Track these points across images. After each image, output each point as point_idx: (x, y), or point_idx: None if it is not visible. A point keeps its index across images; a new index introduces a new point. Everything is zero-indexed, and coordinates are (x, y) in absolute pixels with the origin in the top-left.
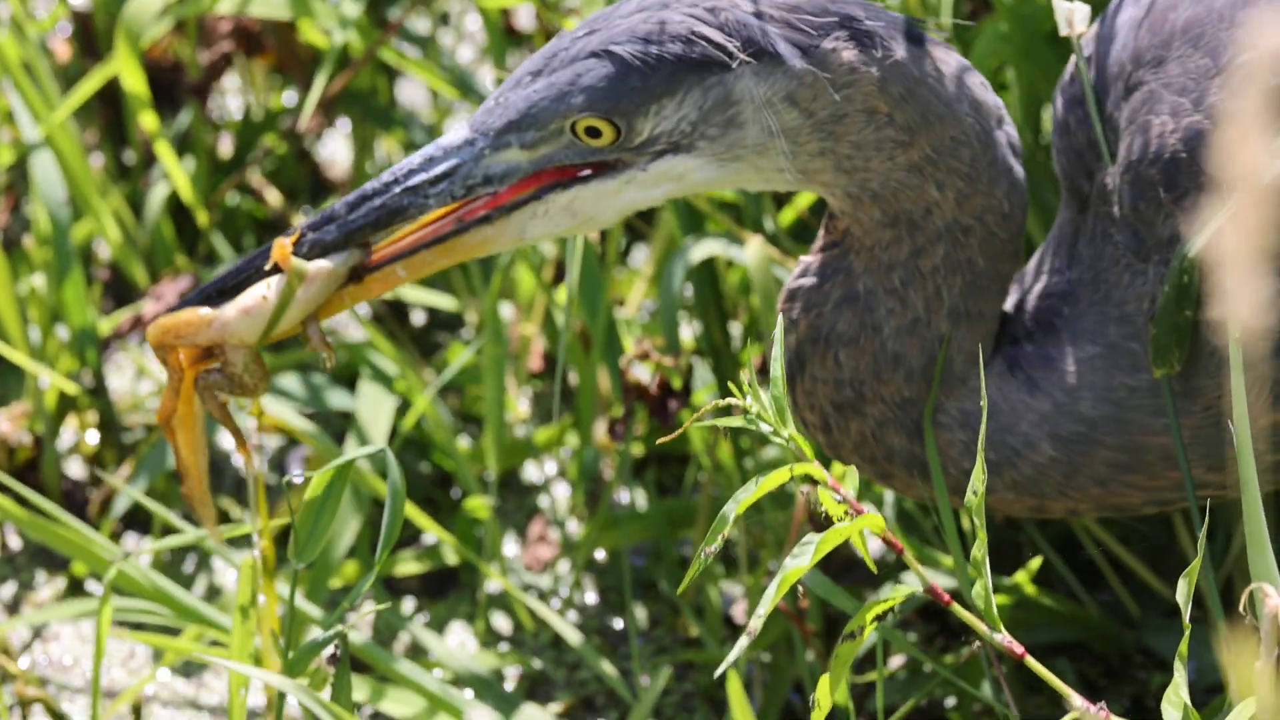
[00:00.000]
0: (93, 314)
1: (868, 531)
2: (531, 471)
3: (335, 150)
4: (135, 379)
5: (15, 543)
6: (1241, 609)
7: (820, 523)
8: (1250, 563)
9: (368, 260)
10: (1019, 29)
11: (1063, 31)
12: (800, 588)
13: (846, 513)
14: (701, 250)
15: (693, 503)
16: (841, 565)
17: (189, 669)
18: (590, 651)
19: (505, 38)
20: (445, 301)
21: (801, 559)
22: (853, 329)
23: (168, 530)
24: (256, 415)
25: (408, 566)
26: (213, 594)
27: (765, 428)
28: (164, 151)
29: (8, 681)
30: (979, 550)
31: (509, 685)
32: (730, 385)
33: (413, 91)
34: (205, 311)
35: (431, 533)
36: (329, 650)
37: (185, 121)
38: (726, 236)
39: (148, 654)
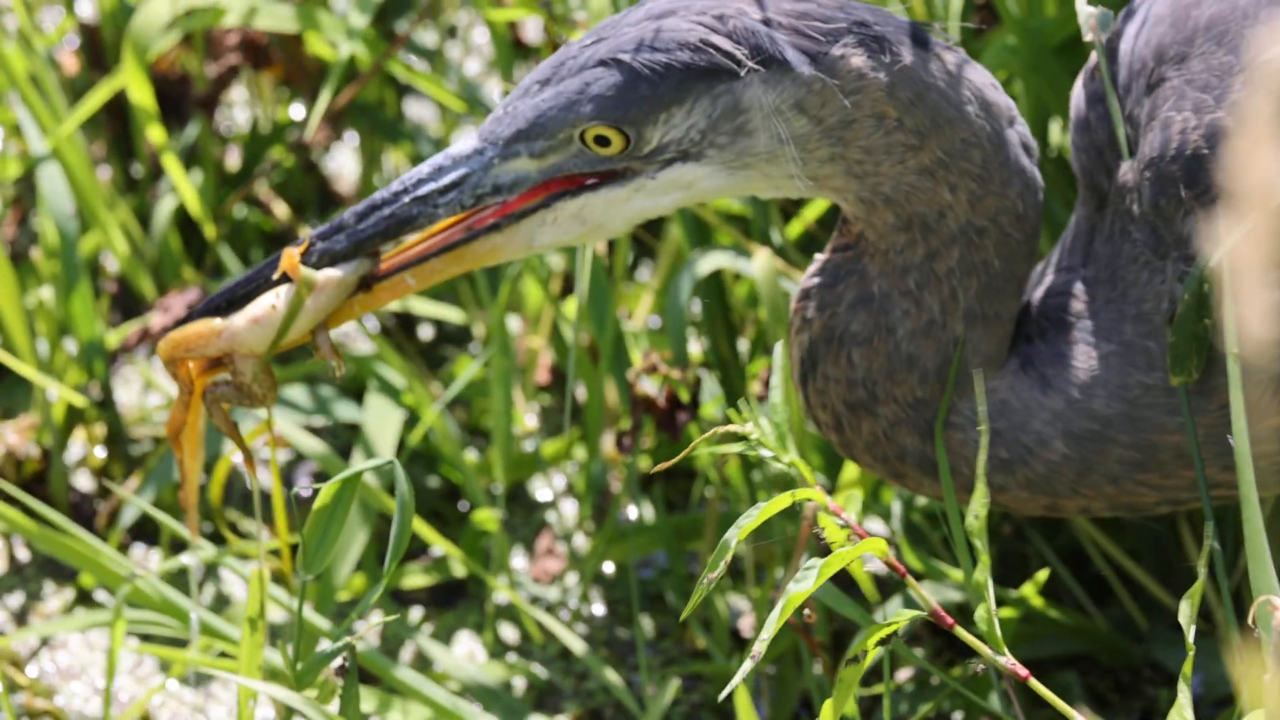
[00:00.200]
0: (100, 327)
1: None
2: (539, 485)
3: (343, 163)
4: (143, 392)
5: (23, 554)
6: (1250, 622)
7: (824, 546)
8: (1251, 576)
9: (377, 269)
10: (1027, 42)
11: (1086, 36)
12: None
13: (849, 537)
14: (709, 263)
15: (700, 516)
16: (850, 576)
17: (197, 679)
18: (598, 663)
19: (513, 51)
20: (453, 314)
21: (805, 583)
22: (867, 330)
23: (176, 541)
24: (267, 431)
25: (415, 579)
26: (221, 604)
27: (766, 453)
28: (171, 164)
29: (16, 692)
30: (981, 574)
31: (517, 696)
32: (730, 413)
33: (420, 104)
34: (215, 322)
35: (439, 545)
36: (337, 661)
37: (193, 134)
38: (734, 249)
39: (155, 663)
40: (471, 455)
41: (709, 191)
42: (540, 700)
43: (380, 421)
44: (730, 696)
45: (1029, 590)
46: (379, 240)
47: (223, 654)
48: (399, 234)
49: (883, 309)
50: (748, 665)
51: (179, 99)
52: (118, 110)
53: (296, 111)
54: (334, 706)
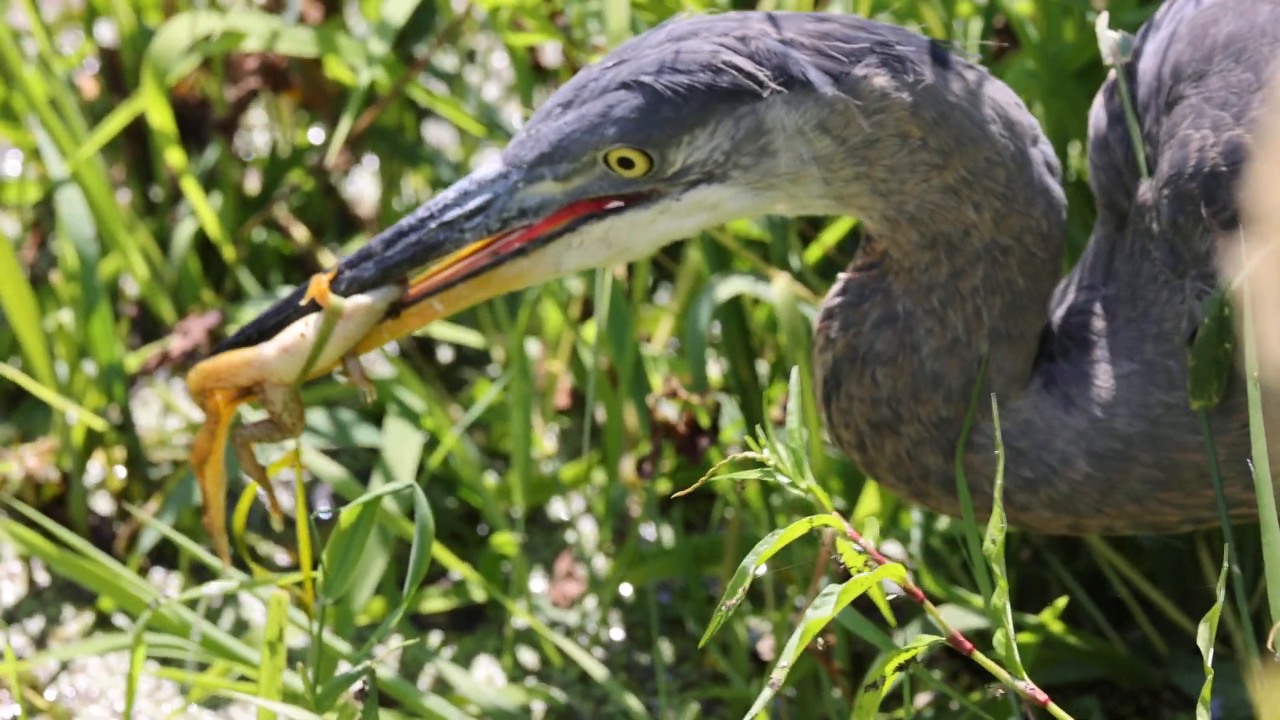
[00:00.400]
0: (120, 350)
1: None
2: (558, 508)
3: (362, 187)
4: (162, 415)
5: (43, 578)
6: (1270, 645)
7: (843, 570)
8: (1270, 599)
9: (405, 296)
10: (1046, 66)
11: (1106, 60)
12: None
13: (867, 563)
14: (728, 288)
15: (719, 539)
16: (871, 600)
17: (216, 702)
18: (617, 687)
19: (532, 75)
20: (472, 338)
21: (823, 610)
22: (891, 348)
23: (196, 565)
24: (294, 463)
25: (435, 603)
26: (240, 628)
27: (783, 480)
28: (191, 188)
29: (35, 715)
30: (999, 598)
31: None
32: (747, 439)
33: (439, 128)
34: (245, 352)
35: (458, 569)
36: (357, 685)
37: (212, 158)
38: (753, 274)
39: (174, 687)
40: (491, 479)
41: (734, 212)
42: None
43: (400, 445)
44: None
45: (1048, 615)
46: (407, 267)
47: (242, 678)
48: (426, 260)
49: (907, 327)
50: (767, 693)
51: (198, 122)
52: (137, 134)
53: (316, 135)
54: None
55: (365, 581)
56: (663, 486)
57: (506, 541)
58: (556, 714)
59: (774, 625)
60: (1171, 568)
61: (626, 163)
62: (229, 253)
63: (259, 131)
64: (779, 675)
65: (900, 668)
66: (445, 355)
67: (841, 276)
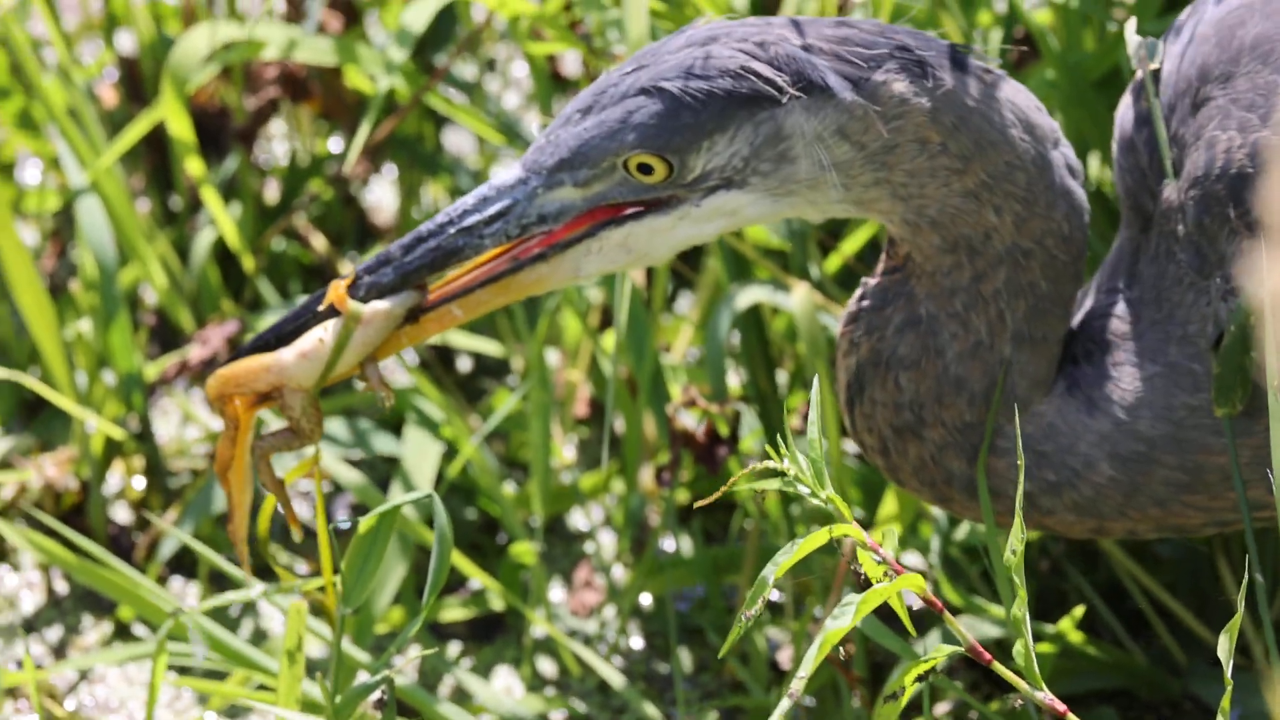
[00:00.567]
0: (139, 359)
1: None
2: (577, 517)
3: (381, 196)
4: (181, 424)
5: (62, 587)
6: None
7: (862, 579)
8: None
9: (424, 301)
10: (1067, 76)
11: (1134, 65)
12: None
13: (886, 573)
14: (747, 297)
15: (738, 549)
16: (890, 609)
17: (235, 711)
18: (636, 696)
19: (551, 84)
20: (491, 347)
21: (842, 620)
22: (914, 352)
23: (215, 574)
24: (313, 468)
25: (454, 612)
26: (259, 637)
27: (803, 489)
28: (210, 197)
29: None
30: (1019, 609)
31: None
32: (768, 449)
33: (459, 137)
34: (264, 357)
35: (477, 578)
36: (375, 695)
37: (231, 167)
38: (772, 283)
39: (193, 695)
40: (510, 488)
41: (753, 218)
42: None
43: (419, 454)
44: None
45: (1066, 625)
46: (426, 272)
47: (261, 687)
48: (445, 266)
49: (930, 331)
50: (786, 703)
51: (218, 132)
52: (157, 143)
53: (335, 144)
54: None
55: (384, 590)
56: (682, 496)
57: (525, 551)
58: None
59: (793, 635)
60: (1190, 578)
61: (646, 168)
62: (248, 262)
63: (278, 141)
64: (798, 685)
65: (920, 677)
66: (464, 364)
67: (865, 281)
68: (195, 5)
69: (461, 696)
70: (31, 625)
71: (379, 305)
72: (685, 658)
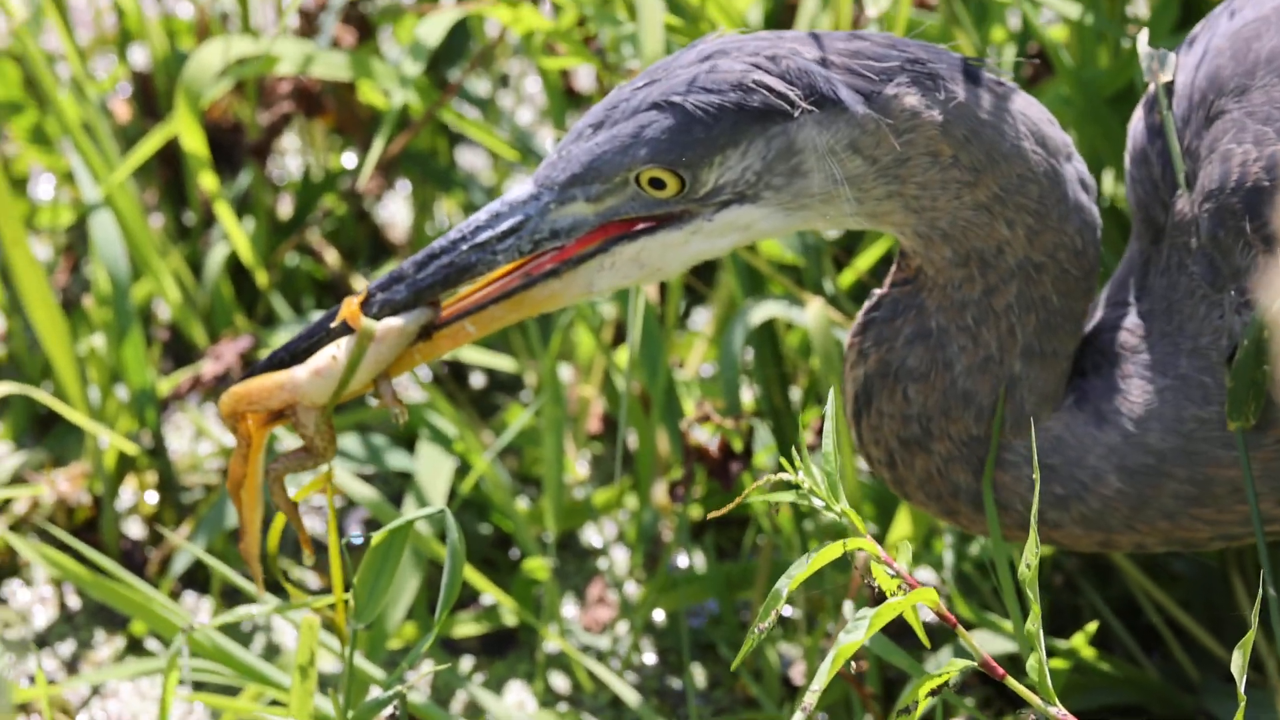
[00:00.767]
0: (152, 374)
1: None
2: (590, 533)
3: (395, 211)
4: (194, 439)
5: (74, 602)
6: None
7: (875, 594)
8: None
9: (437, 318)
10: (1081, 92)
11: (1147, 77)
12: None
13: (900, 587)
14: (762, 312)
15: (752, 565)
16: (902, 625)
17: None
18: (649, 712)
19: (565, 99)
20: (504, 363)
21: (856, 634)
22: (924, 365)
23: (228, 589)
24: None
25: (466, 627)
26: (271, 652)
27: (818, 503)
28: (223, 212)
29: None
30: (1033, 623)
31: None
32: (782, 461)
33: (472, 153)
34: (277, 375)
35: (490, 594)
36: (388, 710)
37: (245, 182)
38: (787, 299)
39: (205, 711)
40: (523, 503)
41: (766, 232)
42: None
43: (432, 470)
44: None
45: (1080, 640)
46: (439, 289)
47: (274, 702)
48: (458, 282)
49: (940, 344)
50: (799, 718)
51: (231, 147)
52: (170, 158)
53: (349, 160)
54: None
55: (397, 606)
56: (695, 512)
57: (538, 566)
58: None
59: (805, 650)
60: (1204, 594)
61: (658, 183)
62: (261, 277)
63: (292, 156)
64: (811, 699)
65: (932, 692)
66: (478, 380)
67: (875, 292)
68: (209, 20)
69: (474, 712)
70: (44, 640)
71: (392, 322)
72: (698, 673)
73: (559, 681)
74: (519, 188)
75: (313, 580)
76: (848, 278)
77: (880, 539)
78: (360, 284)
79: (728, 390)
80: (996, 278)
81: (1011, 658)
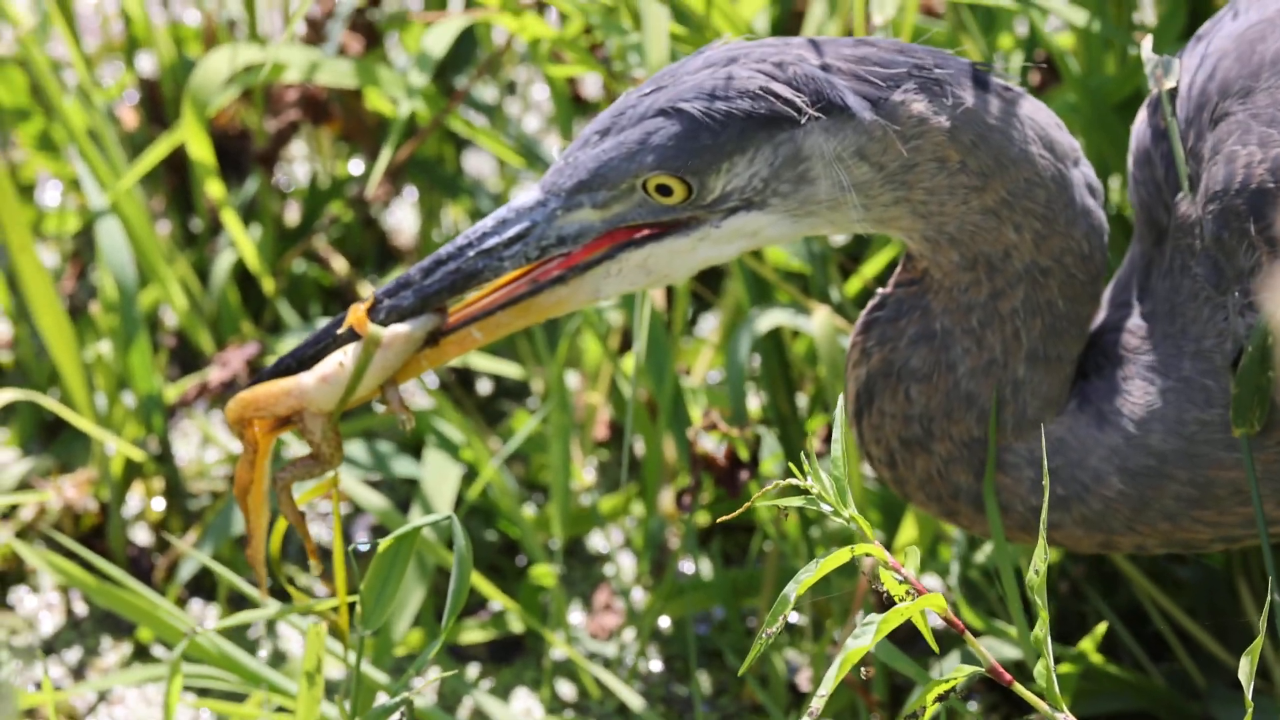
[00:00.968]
0: (159, 381)
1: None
2: (597, 540)
3: (402, 218)
4: (201, 446)
5: (81, 608)
6: None
7: (882, 601)
8: None
9: (444, 324)
10: (1088, 99)
11: (1152, 84)
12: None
13: (908, 593)
14: (768, 320)
15: (758, 572)
16: (908, 633)
17: None
18: (655, 719)
19: (572, 106)
20: (511, 370)
21: (863, 639)
22: (927, 366)
23: (234, 596)
24: (331, 489)
25: (473, 634)
26: (278, 659)
27: (826, 508)
28: (230, 219)
29: None
30: (1041, 630)
31: None
32: (791, 466)
33: (479, 160)
34: (284, 381)
35: (497, 600)
36: (395, 717)
37: (252, 189)
38: (793, 307)
39: (212, 716)
40: (529, 510)
41: (774, 238)
42: None
43: (439, 476)
44: None
45: (1087, 646)
46: (445, 295)
47: (280, 709)
48: (465, 288)
49: (944, 346)
50: None
51: (238, 154)
52: (177, 165)
53: (356, 167)
54: None
55: (403, 612)
56: (702, 519)
57: (545, 573)
58: None
59: (812, 658)
60: (1210, 600)
61: (665, 190)
62: (268, 284)
63: (299, 163)
64: (818, 703)
65: (939, 698)
66: (484, 387)
67: (880, 291)
68: (216, 27)
69: (481, 718)
70: (51, 647)
71: (399, 329)
72: (704, 680)
73: (565, 688)
74: (526, 194)
75: (320, 588)
76: (854, 285)
77: (886, 546)
78: (367, 291)
79: (734, 397)
80: (1003, 281)
81: (1017, 665)
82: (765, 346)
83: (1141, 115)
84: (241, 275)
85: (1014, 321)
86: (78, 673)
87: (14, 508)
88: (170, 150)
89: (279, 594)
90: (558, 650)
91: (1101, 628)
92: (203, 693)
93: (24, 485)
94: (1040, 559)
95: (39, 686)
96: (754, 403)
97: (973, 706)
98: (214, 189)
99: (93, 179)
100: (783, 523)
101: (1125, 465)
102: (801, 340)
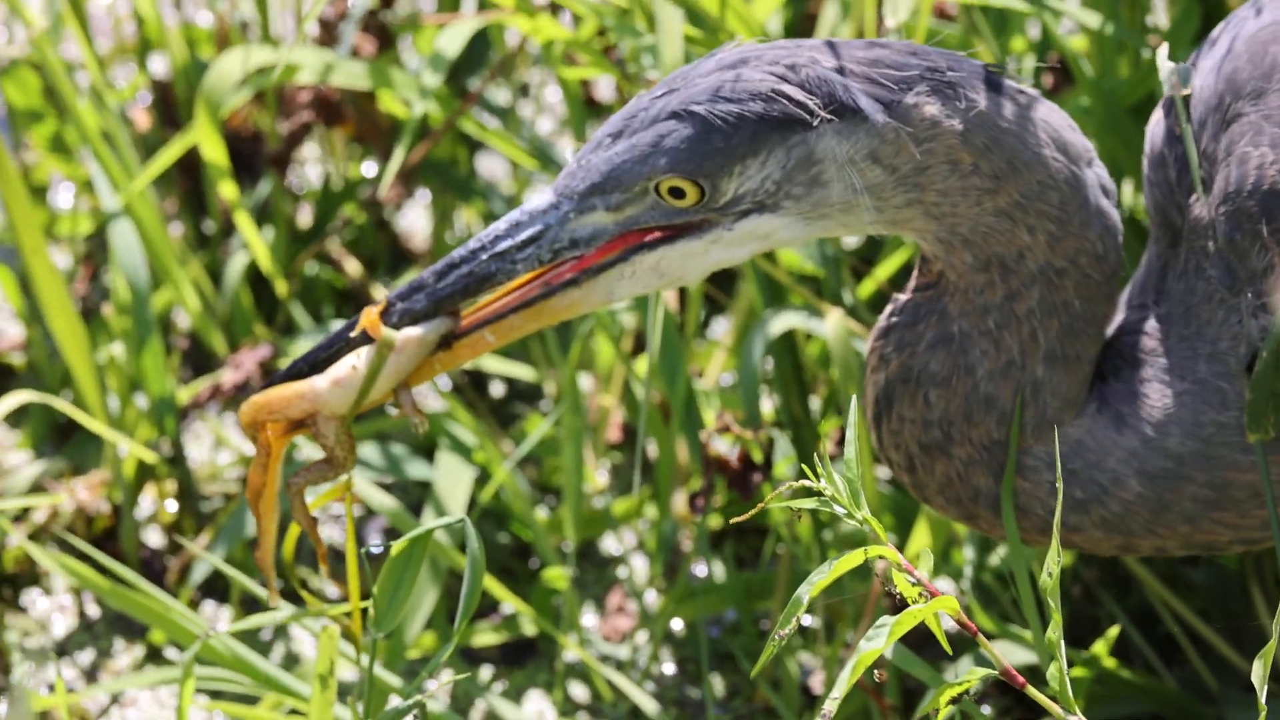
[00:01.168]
0: (171, 383)
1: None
2: (610, 543)
3: (414, 220)
4: (214, 448)
5: (94, 610)
6: None
7: (896, 603)
8: None
9: (457, 327)
10: (1101, 102)
11: (1167, 91)
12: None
13: (921, 594)
14: (781, 323)
15: (771, 575)
16: (920, 637)
17: None
18: None
19: (585, 109)
20: (524, 372)
21: (877, 641)
22: (945, 370)
23: (247, 598)
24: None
25: (486, 636)
26: (291, 662)
27: (839, 510)
28: (243, 221)
29: None
30: (1054, 632)
31: None
32: (804, 468)
33: (492, 162)
34: (297, 385)
35: (510, 603)
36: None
37: (264, 191)
38: (806, 309)
39: (225, 719)
40: (542, 513)
41: (786, 240)
42: None
43: (451, 479)
44: None
45: (1100, 649)
46: (458, 298)
47: (293, 711)
48: (478, 292)
49: (962, 349)
50: None
51: (251, 156)
52: (190, 167)
53: (369, 168)
54: None
55: (416, 615)
56: (714, 521)
57: (558, 576)
58: None
59: (825, 660)
60: (1223, 603)
61: (678, 192)
62: (281, 286)
63: (312, 165)
64: (831, 705)
65: (952, 701)
66: (497, 389)
67: (896, 296)
68: (229, 29)
69: None
70: (63, 649)
71: (412, 332)
72: (717, 683)
73: (578, 691)
74: (539, 197)
75: (332, 590)
76: (867, 288)
77: (899, 549)
78: (380, 293)
79: (747, 400)
80: (1018, 283)
81: (1030, 668)
82: (778, 349)
83: (1156, 116)
84: (254, 277)
85: (1030, 322)
86: (90, 675)
87: (27, 510)
88: (183, 152)
89: (292, 596)
90: (570, 653)
91: (1114, 631)
92: (215, 695)
93: (37, 487)
94: (1053, 562)
95: (52, 688)
96: (767, 405)
97: (986, 710)
98: (227, 191)
99: (106, 181)
100: (796, 525)
101: (1143, 468)
102: (814, 343)
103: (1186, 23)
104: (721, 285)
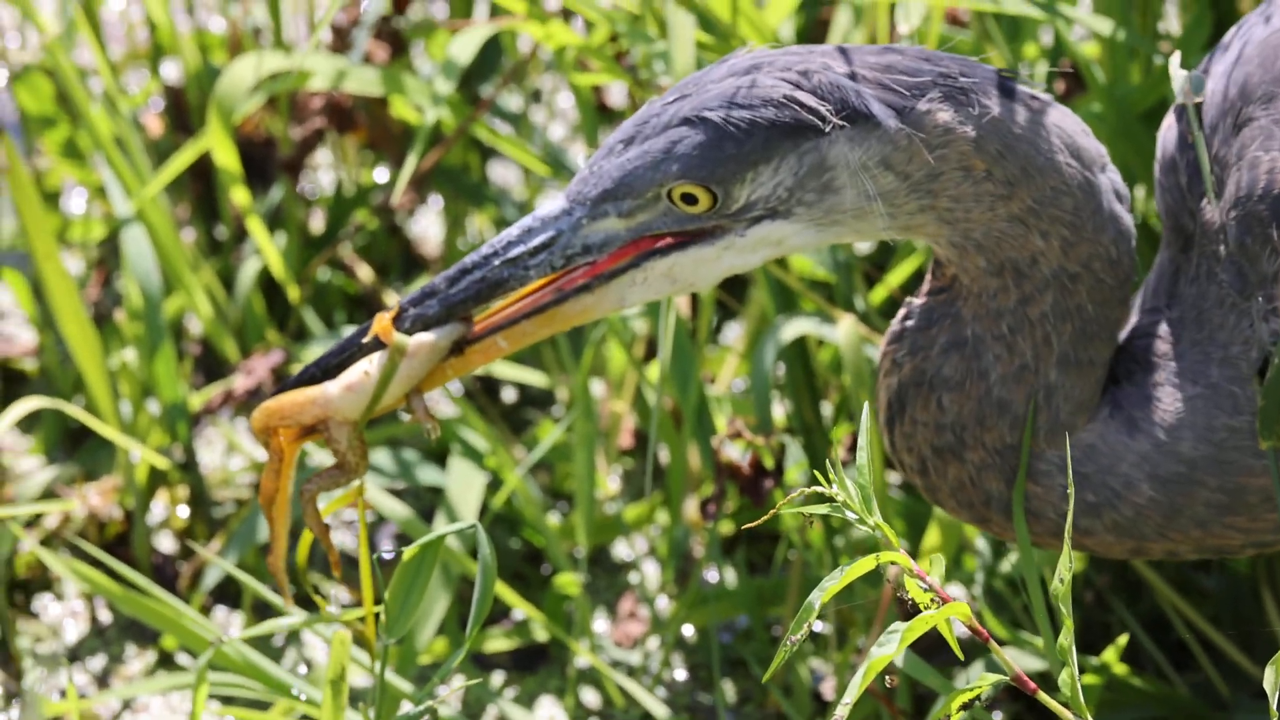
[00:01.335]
0: (184, 389)
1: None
2: (622, 549)
3: (427, 226)
4: (226, 454)
5: (105, 616)
6: None
7: (907, 609)
8: None
9: (469, 333)
10: (1113, 108)
11: (1180, 99)
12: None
13: (933, 601)
14: (793, 329)
15: (783, 581)
16: (931, 643)
17: None
18: None
19: (597, 115)
20: (536, 378)
21: (888, 647)
22: (959, 374)
23: (259, 604)
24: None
25: (498, 642)
26: (303, 667)
27: (851, 516)
28: (255, 227)
29: None
30: (1065, 638)
31: None
32: (816, 474)
33: (504, 168)
34: (309, 390)
35: (521, 609)
36: None
37: (277, 197)
38: (818, 315)
39: None
40: (554, 519)
41: (798, 247)
42: None
43: (463, 485)
44: None
45: (1111, 656)
46: (471, 304)
47: (305, 717)
48: (490, 297)
49: (976, 353)
50: None
51: (264, 161)
52: (202, 172)
53: (381, 175)
54: None
55: (428, 621)
56: (726, 527)
57: (569, 582)
58: None
59: (836, 666)
60: (1234, 610)
61: (690, 199)
62: (293, 292)
63: (324, 171)
64: (842, 712)
65: (964, 707)
66: (509, 395)
67: (910, 300)
68: (241, 35)
69: None
70: (75, 654)
71: (424, 337)
72: (729, 689)
73: (590, 697)
74: (551, 203)
75: (344, 596)
76: (879, 294)
77: (911, 554)
78: (392, 299)
79: (759, 406)
80: (1031, 287)
81: (1042, 675)
82: (790, 355)
83: (1168, 122)
84: (266, 283)
85: (1044, 326)
86: (102, 680)
87: (39, 516)
88: (195, 158)
89: (304, 602)
90: (582, 659)
91: (1125, 638)
92: (227, 700)
93: (49, 493)
94: (1065, 567)
95: (64, 694)
96: (779, 411)
97: (997, 716)
98: (239, 196)
99: (118, 186)
100: (807, 531)
101: (1156, 472)
102: (826, 349)
103: (1198, 29)
104: (733, 291)
